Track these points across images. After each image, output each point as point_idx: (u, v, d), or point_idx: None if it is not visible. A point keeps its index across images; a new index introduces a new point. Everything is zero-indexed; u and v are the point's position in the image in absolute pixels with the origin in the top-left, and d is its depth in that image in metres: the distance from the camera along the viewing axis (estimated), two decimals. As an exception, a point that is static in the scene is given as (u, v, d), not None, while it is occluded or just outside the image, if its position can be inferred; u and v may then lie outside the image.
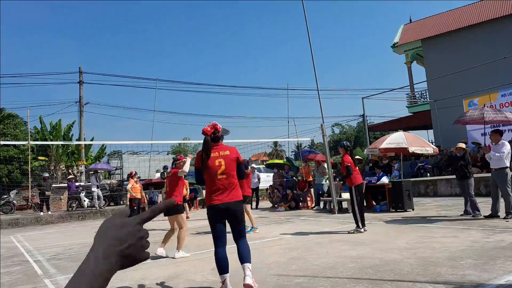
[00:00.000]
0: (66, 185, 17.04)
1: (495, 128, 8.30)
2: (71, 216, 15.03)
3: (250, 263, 3.96)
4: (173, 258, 5.97)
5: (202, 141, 4.12)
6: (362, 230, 7.16)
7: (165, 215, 6.35)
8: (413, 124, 24.88)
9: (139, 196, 10.66)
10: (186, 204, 12.40)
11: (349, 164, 7.32)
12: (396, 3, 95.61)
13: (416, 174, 17.88)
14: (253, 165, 14.22)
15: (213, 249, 4.08)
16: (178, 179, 6.30)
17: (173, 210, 6.06)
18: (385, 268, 4.43)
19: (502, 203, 7.69)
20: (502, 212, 7.66)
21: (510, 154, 7.71)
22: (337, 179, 12.72)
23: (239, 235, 4.05)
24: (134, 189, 10.36)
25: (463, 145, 8.71)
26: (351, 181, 7.42)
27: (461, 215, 8.40)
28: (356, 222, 7.26)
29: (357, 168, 7.66)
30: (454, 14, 23.91)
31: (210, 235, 4.14)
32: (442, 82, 21.24)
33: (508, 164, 7.66)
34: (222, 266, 3.96)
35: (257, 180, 14.27)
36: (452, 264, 4.42)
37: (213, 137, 4.08)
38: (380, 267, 4.49)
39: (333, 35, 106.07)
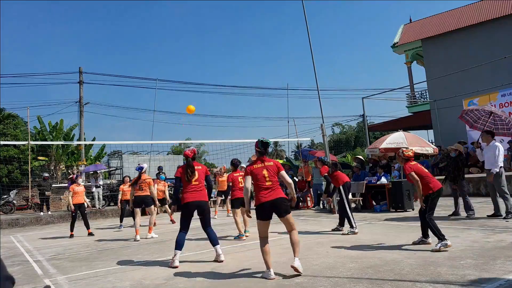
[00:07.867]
0: (66, 185, 17.04)
1: (487, 129, 8.31)
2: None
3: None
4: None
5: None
6: (356, 230, 7.13)
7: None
8: (413, 124, 24.88)
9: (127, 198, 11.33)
10: (167, 206, 12.34)
11: (326, 174, 7.87)
12: (396, 3, 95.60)
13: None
14: (243, 165, 14.15)
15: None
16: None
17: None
18: (385, 268, 4.44)
19: (502, 203, 7.70)
20: (502, 211, 7.67)
21: (502, 155, 7.76)
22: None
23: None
24: (123, 192, 11.51)
25: (459, 146, 8.77)
26: (337, 182, 7.55)
27: (449, 215, 8.45)
28: (349, 223, 7.23)
29: (338, 171, 7.74)
30: (454, 14, 23.92)
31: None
32: (442, 82, 21.24)
33: (501, 164, 7.69)
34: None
35: None
36: (452, 264, 4.42)
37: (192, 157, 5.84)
38: (380, 267, 4.50)
39: (333, 35, 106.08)
